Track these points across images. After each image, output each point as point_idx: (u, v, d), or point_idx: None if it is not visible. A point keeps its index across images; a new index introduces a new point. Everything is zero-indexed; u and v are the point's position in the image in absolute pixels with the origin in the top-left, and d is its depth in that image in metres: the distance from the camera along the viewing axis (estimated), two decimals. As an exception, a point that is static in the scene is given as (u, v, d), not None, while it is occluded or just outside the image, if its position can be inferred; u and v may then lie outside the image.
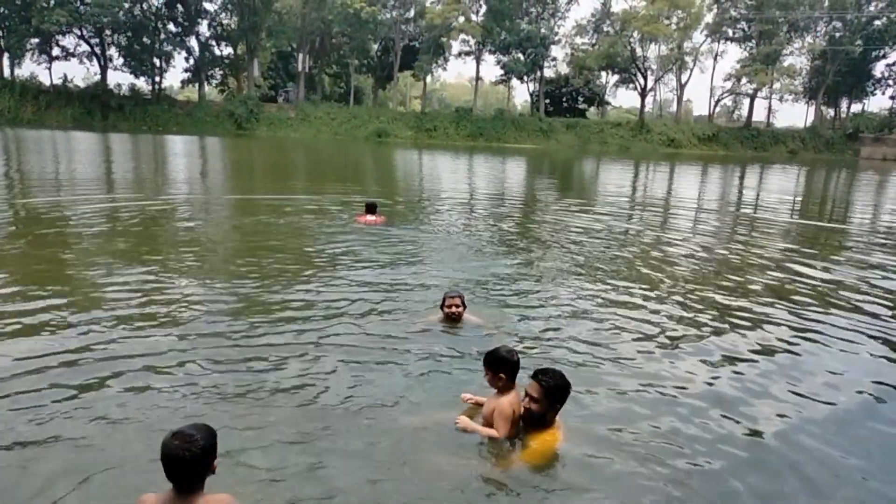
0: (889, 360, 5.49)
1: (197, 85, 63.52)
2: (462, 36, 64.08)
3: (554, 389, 3.52)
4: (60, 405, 3.97)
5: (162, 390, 4.22)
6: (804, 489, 3.48)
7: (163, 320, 5.59)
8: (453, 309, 5.53)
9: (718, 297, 7.27)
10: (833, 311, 6.87)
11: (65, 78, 58.28)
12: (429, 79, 71.85)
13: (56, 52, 57.72)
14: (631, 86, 69.76)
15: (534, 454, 3.51)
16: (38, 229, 9.77)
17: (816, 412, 4.40)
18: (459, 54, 68.13)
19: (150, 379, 4.39)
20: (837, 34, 66.45)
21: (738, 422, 4.17)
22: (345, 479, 3.31)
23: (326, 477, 3.32)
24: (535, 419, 3.56)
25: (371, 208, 11.11)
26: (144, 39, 58.54)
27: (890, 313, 6.88)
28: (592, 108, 77.08)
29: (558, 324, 5.96)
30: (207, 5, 59.91)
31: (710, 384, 4.76)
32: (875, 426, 4.27)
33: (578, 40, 67.37)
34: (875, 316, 6.73)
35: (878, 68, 69.22)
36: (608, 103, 76.50)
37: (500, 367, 3.69)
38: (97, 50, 58.28)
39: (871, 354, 5.60)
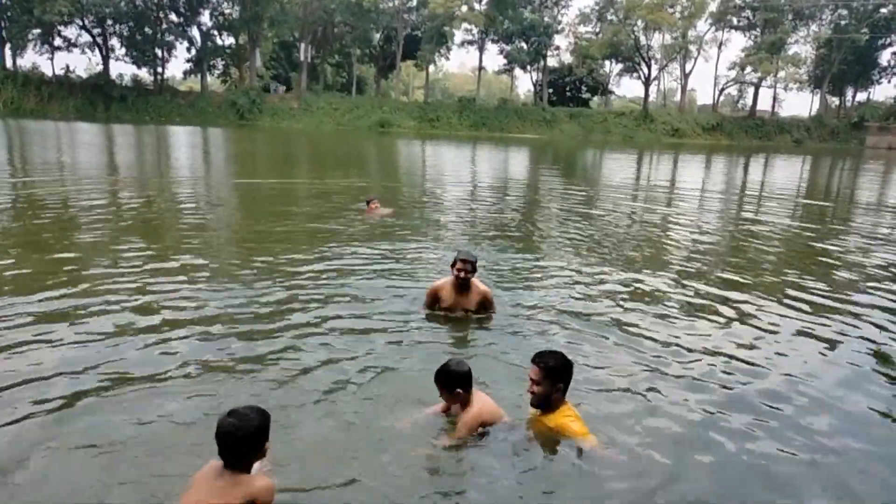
0: None
1: (199, 75, 63.37)
2: (465, 25, 63.80)
3: (553, 370, 3.52)
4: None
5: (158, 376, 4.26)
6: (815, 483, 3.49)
7: (161, 306, 5.61)
8: (462, 274, 5.33)
9: (727, 282, 7.27)
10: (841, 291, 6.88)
11: (67, 68, 58.36)
12: (431, 68, 71.65)
13: (58, 42, 57.82)
14: (635, 75, 69.47)
15: (547, 435, 3.54)
16: (42, 216, 9.79)
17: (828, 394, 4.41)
18: (462, 43, 67.92)
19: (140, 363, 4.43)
20: (843, 22, 65.98)
21: (751, 408, 4.17)
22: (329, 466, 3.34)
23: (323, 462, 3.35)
24: (541, 401, 3.58)
25: (375, 200, 11.09)
26: (146, 29, 58.44)
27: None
28: (596, 98, 76.76)
29: (566, 307, 5.95)
30: (209, -5, 59.75)
31: (722, 370, 4.77)
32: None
33: (582, 29, 67.14)
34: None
35: (884, 56, 69.00)
36: (612, 93, 76.21)
37: (455, 382, 3.57)
38: (99, 40, 58.19)
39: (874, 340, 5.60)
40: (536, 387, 3.55)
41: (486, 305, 5.53)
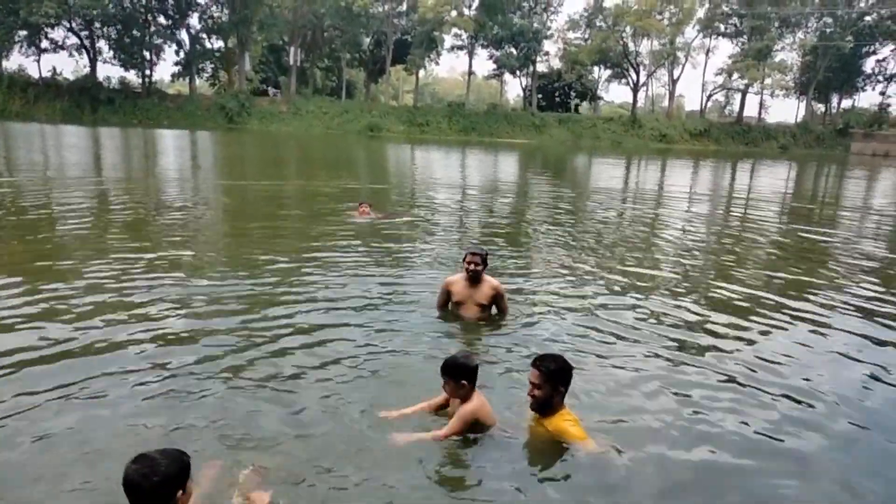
0: None
1: (187, 78, 62.94)
2: (454, 30, 63.78)
3: (554, 374, 3.53)
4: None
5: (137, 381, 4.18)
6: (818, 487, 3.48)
7: (149, 305, 5.53)
8: (472, 267, 5.43)
9: (725, 281, 7.29)
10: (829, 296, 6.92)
11: (54, 71, 57.79)
12: (421, 73, 71.60)
13: (45, 44, 57.03)
14: (623, 81, 69.82)
15: (546, 438, 3.53)
16: (26, 214, 9.66)
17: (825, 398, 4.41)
18: (452, 48, 67.85)
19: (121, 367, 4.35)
20: (828, 30, 66.71)
21: (754, 409, 4.17)
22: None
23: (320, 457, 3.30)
24: (542, 405, 3.58)
25: (365, 204, 11.06)
26: (134, 32, 57.88)
27: None
28: (585, 104, 77.09)
29: (563, 310, 5.95)
30: (198, -3, 59.43)
31: (724, 372, 4.77)
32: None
33: (571, 35, 67.35)
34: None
35: (869, 64, 69.70)
36: (600, 98, 76.58)
37: (462, 374, 3.60)
38: (86, 42, 57.59)
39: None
40: (537, 390, 3.54)
41: (497, 300, 5.59)
